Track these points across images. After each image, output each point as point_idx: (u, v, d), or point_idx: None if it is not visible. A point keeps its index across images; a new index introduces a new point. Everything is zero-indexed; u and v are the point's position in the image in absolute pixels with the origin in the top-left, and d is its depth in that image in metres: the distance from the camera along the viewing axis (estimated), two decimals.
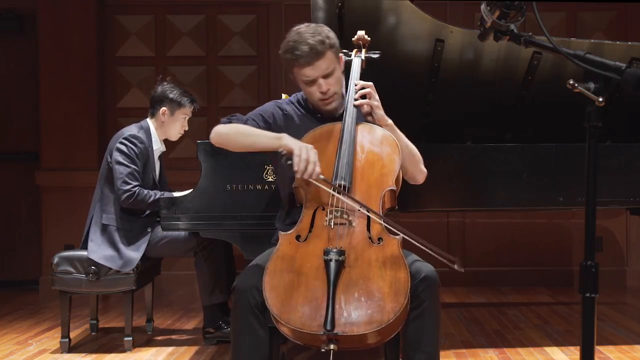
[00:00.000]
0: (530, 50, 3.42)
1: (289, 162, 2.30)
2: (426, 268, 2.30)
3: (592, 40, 4.12)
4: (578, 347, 1.65)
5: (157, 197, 3.63)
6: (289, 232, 2.35)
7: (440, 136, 3.67)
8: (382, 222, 2.32)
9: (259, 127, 2.58)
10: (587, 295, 1.62)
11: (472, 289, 5.42)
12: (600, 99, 1.61)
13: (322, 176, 2.30)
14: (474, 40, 3.20)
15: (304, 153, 2.29)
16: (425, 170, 2.63)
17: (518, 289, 5.43)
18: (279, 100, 2.76)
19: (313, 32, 2.48)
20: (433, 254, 2.21)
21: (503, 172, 3.38)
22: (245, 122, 2.57)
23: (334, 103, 2.58)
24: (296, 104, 2.70)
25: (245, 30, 5.71)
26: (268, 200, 3.18)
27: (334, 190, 2.33)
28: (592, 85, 1.63)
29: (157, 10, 5.71)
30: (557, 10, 5.65)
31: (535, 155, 3.39)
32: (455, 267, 2.19)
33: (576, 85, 1.63)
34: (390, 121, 2.54)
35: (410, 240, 2.24)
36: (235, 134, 2.50)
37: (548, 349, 3.60)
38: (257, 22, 5.70)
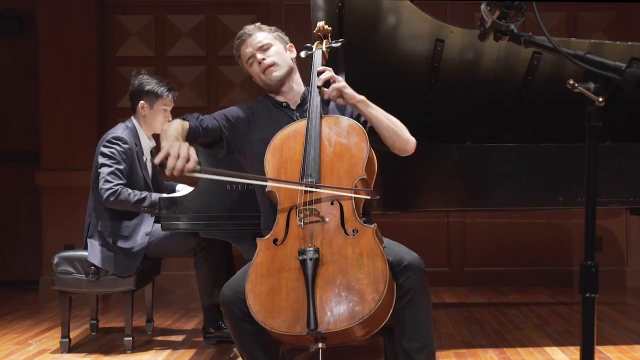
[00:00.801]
0: (530, 50, 3.42)
1: (157, 166, 2.28)
2: (409, 256, 2.28)
3: (592, 40, 4.12)
4: (578, 347, 1.65)
5: (142, 196, 3.59)
6: (266, 237, 2.34)
7: (440, 136, 3.67)
8: (353, 195, 2.32)
9: (217, 124, 2.63)
10: (587, 295, 1.62)
11: (472, 289, 5.42)
12: (600, 99, 1.61)
13: (198, 166, 2.23)
14: (474, 40, 3.20)
15: (173, 149, 2.21)
16: (412, 138, 2.59)
17: (518, 289, 5.43)
18: (246, 103, 2.82)
19: (254, 25, 2.77)
20: (350, 195, 2.30)
21: (503, 172, 3.38)
22: (199, 120, 2.58)
23: (277, 72, 2.69)
24: (263, 100, 2.77)
25: None
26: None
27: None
28: (592, 85, 1.63)
29: (157, 10, 5.72)
30: (557, 10, 5.65)
31: (535, 155, 3.39)
32: (370, 197, 2.33)
33: (576, 85, 1.63)
34: (361, 97, 2.53)
35: (334, 192, 2.31)
36: (162, 131, 2.48)
37: (548, 349, 3.60)
38: (258, 22, 5.69)
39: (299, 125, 2.53)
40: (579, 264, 1.63)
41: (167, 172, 2.20)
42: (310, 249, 2.19)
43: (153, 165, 3.94)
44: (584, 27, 5.65)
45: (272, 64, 2.68)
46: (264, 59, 2.68)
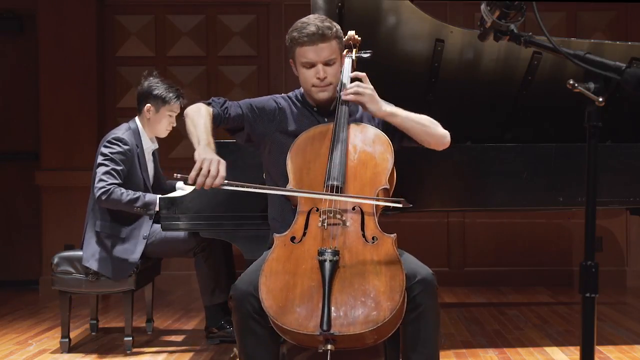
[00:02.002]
0: (530, 50, 3.42)
1: (187, 183, 2.29)
2: (423, 270, 2.29)
3: (592, 40, 4.12)
4: (578, 347, 1.65)
5: (135, 196, 3.56)
6: (284, 234, 2.35)
7: None
8: (375, 202, 2.35)
9: (240, 113, 2.59)
10: (587, 295, 1.62)
11: (472, 289, 5.42)
12: (600, 99, 1.61)
13: (225, 181, 2.28)
14: (474, 40, 3.20)
15: (204, 166, 2.25)
16: (445, 131, 2.59)
17: (518, 289, 5.43)
18: (276, 95, 2.75)
19: (322, 19, 2.55)
20: (378, 203, 2.33)
21: (503, 172, 3.38)
22: (223, 105, 2.56)
23: (327, 93, 2.58)
24: (293, 99, 2.70)
25: (245, 30, 5.71)
26: (268, 200, 3.18)
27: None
28: (592, 85, 1.63)
29: (157, 10, 5.71)
30: (557, 10, 5.65)
31: (535, 155, 3.39)
32: (401, 205, 2.29)
33: (576, 85, 1.63)
34: (388, 110, 2.50)
35: (362, 200, 2.34)
36: (189, 118, 2.48)
37: (548, 349, 3.60)
38: (257, 22, 5.70)
39: (325, 128, 2.54)
40: (579, 264, 1.63)
41: (197, 188, 2.28)
42: (330, 250, 2.20)
43: (155, 165, 3.95)
44: (584, 27, 5.64)
45: (330, 84, 2.55)
46: (325, 77, 2.53)
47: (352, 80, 2.56)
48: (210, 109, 2.53)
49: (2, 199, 5.81)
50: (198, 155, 2.31)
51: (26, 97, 5.77)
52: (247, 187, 2.40)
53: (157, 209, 3.57)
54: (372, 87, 2.52)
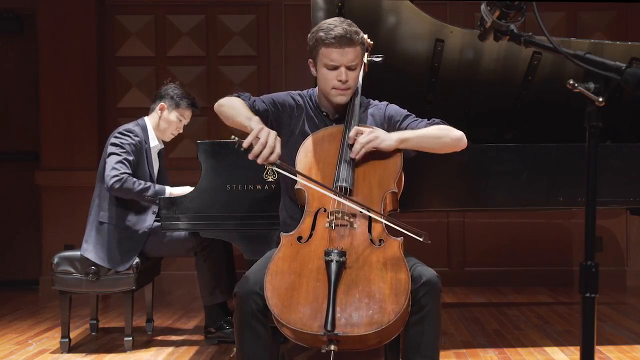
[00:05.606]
0: (530, 50, 3.42)
1: (241, 149, 2.28)
2: (428, 272, 2.30)
3: (592, 40, 4.12)
4: (578, 347, 1.65)
5: (146, 185, 3.64)
6: (291, 233, 2.36)
7: None
8: (383, 221, 2.34)
9: (266, 108, 2.60)
10: (587, 295, 1.62)
11: (472, 289, 5.42)
12: (600, 99, 1.61)
13: (278, 161, 2.29)
14: (474, 40, 3.20)
15: (263, 136, 2.27)
16: (459, 133, 2.58)
17: (518, 289, 5.43)
18: (292, 92, 2.76)
19: (349, 22, 2.55)
20: (399, 228, 2.28)
21: (503, 172, 3.38)
22: (251, 101, 2.58)
23: (345, 97, 2.58)
24: (307, 99, 2.71)
25: (245, 30, 5.71)
26: (268, 200, 3.18)
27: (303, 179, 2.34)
28: (592, 85, 1.63)
29: (157, 10, 5.72)
30: (557, 10, 5.65)
31: (535, 155, 3.39)
32: (422, 239, 2.30)
33: (576, 85, 1.63)
34: (396, 139, 2.48)
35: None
36: (226, 106, 2.51)
37: (548, 349, 3.60)
38: (257, 22, 5.70)
39: (335, 129, 2.56)
40: (579, 264, 1.63)
41: (250, 156, 2.26)
42: (336, 251, 2.21)
43: (160, 164, 3.98)
44: (584, 27, 5.65)
45: (349, 89, 2.55)
46: (347, 80, 2.52)
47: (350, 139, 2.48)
48: (242, 101, 2.55)
49: (2, 199, 5.81)
50: (255, 125, 2.31)
51: (26, 97, 5.77)
52: (295, 172, 2.36)
53: None
54: (369, 128, 2.50)
